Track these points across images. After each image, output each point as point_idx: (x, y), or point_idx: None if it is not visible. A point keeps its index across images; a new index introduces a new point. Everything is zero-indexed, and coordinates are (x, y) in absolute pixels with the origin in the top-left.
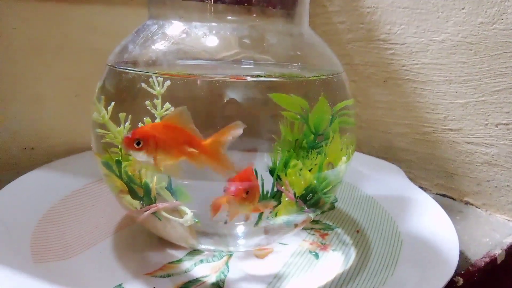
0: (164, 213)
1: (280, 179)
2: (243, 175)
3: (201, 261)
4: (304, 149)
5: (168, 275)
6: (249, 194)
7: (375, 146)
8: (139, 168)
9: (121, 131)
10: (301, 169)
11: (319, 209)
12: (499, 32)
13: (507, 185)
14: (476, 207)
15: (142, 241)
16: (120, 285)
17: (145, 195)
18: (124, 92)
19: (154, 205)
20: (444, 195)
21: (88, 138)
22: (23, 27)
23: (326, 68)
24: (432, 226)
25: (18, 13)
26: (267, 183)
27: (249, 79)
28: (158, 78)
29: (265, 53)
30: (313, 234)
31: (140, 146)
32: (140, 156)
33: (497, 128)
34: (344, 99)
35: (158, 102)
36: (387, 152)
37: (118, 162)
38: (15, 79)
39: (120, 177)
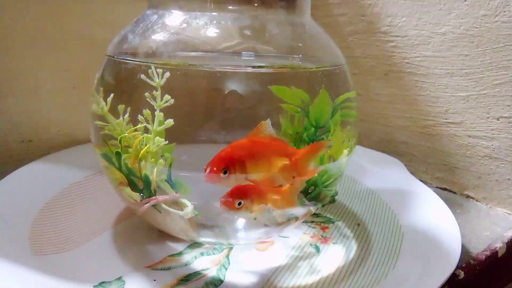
0: (164, 206)
1: None
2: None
3: (202, 254)
4: (305, 142)
5: (169, 268)
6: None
7: (376, 140)
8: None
9: (120, 123)
10: None
11: (320, 202)
12: (502, 24)
13: (508, 179)
14: (476, 200)
15: (142, 233)
16: (120, 278)
17: (145, 188)
18: (123, 83)
19: (154, 197)
20: (444, 189)
21: (87, 130)
22: (20, 17)
23: (328, 59)
24: (433, 219)
25: (15, 3)
26: None
27: (249, 70)
28: (158, 70)
29: (266, 43)
30: (314, 227)
31: (226, 175)
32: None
33: (498, 121)
34: (346, 91)
35: (157, 93)
36: (387, 146)
37: (118, 154)
38: (12, 71)
39: (119, 169)
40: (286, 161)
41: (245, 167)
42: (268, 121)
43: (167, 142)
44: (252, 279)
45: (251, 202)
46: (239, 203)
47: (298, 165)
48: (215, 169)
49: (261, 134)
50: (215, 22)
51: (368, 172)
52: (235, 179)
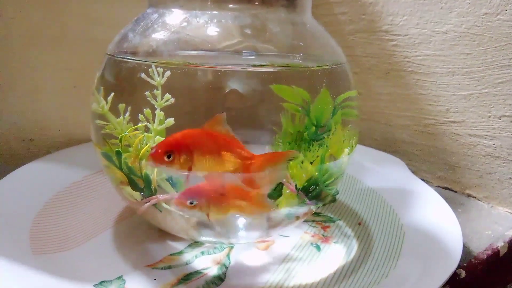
0: (164, 205)
1: None
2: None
3: (202, 253)
4: (306, 141)
5: (169, 267)
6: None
7: (377, 139)
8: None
9: (121, 122)
10: (302, 162)
11: (320, 201)
12: (503, 23)
13: (510, 178)
14: (478, 199)
15: (143, 233)
16: (120, 277)
17: (145, 187)
18: (124, 82)
19: (154, 196)
20: (446, 188)
21: (88, 129)
22: (21, 16)
23: (329, 58)
24: (435, 218)
25: (16, 3)
26: None
27: (250, 68)
28: (158, 69)
29: (267, 42)
30: (315, 226)
31: (170, 159)
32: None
33: (500, 120)
34: (347, 90)
35: (158, 92)
36: (388, 145)
37: (118, 153)
38: (13, 70)
39: (120, 168)
40: (237, 163)
41: (192, 156)
42: (224, 115)
43: None
44: (252, 278)
45: (207, 204)
46: (191, 203)
47: (250, 171)
48: (159, 151)
49: (216, 128)
50: (215, 20)
51: (369, 171)
52: (179, 166)
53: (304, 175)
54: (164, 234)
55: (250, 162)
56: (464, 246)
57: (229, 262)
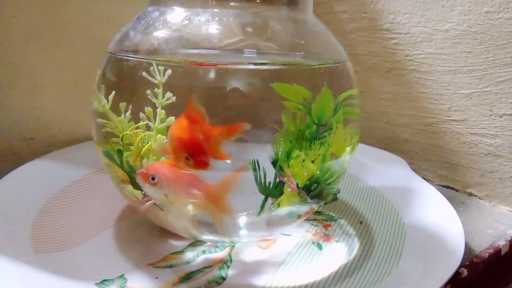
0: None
1: (283, 170)
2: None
3: (204, 252)
4: (307, 140)
5: (171, 266)
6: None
7: (378, 137)
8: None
9: (122, 120)
10: (303, 160)
11: (322, 200)
12: (505, 21)
13: (511, 176)
14: (479, 198)
15: (144, 231)
16: (122, 275)
17: None
18: (125, 80)
19: None
20: (447, 187)
21: (88, 128)
22: (22, 15)
23: (331, 57)
24: (436, 217)
25: (16, 1)
26: (270, 174)
27: (251, 67)
28: (159, 67)
29: (268, 40)
30: (316, 225)
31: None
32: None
33: (501, 118)
34: (349, 88)
35: (159, 91)
36: (389, 143)
37: (119, 152)
38: (13, 69)
39: (121, 166)
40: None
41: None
42: (193, 96)
43: None
44: (254, 277)
45: (167, 182)
46: (153, 178)
47: (210, 144)
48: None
49: (193, 109)
50: (216, 18)
51: (370, 169)
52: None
53: (305, 174)
54: (165, 233)
55: (209, 135)
56: (466, 245)
57: (231, 261)
